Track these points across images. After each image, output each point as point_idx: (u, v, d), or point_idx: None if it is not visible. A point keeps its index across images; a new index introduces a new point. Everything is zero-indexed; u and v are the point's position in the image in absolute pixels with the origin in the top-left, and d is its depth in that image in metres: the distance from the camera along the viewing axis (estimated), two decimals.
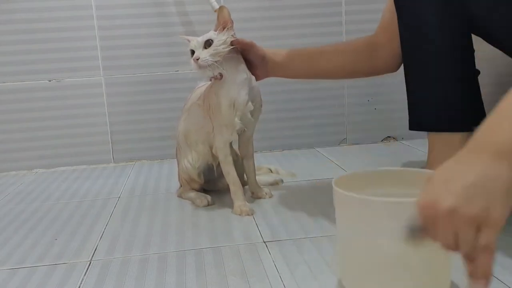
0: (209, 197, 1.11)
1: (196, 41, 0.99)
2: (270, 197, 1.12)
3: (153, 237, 0.93)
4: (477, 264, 0.49)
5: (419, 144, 1.57)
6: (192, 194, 1.12)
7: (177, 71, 1.57)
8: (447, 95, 0.85)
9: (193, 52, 0.99)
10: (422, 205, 0.50)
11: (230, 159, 1.04)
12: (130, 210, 1.10)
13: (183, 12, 1.55)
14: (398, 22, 0.92)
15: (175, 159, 1.19)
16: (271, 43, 1.58)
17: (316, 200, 1.09)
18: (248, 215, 1.01)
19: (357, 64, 1.09)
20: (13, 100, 1.52)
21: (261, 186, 1.14)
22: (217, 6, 1.46)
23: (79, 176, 1.44)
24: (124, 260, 0.83)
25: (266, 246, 0.86)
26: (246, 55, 1.03)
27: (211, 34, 1.00)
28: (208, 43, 0.98)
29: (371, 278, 0.62)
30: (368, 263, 0.61)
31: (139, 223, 1.01)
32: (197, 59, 0.95)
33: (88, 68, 1.54)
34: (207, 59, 0.95)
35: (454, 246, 0.49)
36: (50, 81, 1.53)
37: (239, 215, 1.01)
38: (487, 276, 0.49)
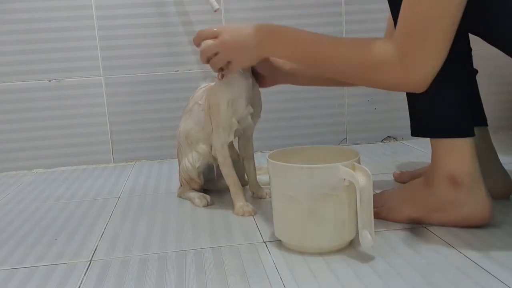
0: (208, 197, 1.11)
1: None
2: (270, 197, 1.12)
3: (153, 237, 0.93)
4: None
5: (419, 144, 1.57)
6: (192, 194, 1.12)
7: (177, 71, 1.57)
8: (447, 100, 0.85)
9: None
10: (204, 33, 0.96)
11: (229, 160, 1.04)
12: (130, 210, 1.10)
13: (183, 12, 1.55)
14: (394, 21, 0.92)
15: (175, 159, 1.19)
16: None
17: None
18: (251, 215, 1.01)
19: None
20: (13, 100, 1.52)
21: (262, 186, 1.14)
22: (217, 6, 1.46)
23: (79, 176, 1.45)
24: (124, 260, 0.83)
25: (266, 246, 0.86)
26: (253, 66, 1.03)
27: None
28: None
29: (296, 228, 0.82)
30: (292, 217, 0.81)
31: (139, 223, 1.01)
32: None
33: (88, 68, 1.54)
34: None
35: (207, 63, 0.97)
36: (50, 81, 1.53)
37: (242, 215, 1.01)
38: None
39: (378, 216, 0.93)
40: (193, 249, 0.86)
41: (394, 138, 1.68)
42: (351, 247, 0.83)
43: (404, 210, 0.91)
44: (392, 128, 1.68)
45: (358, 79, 0.86)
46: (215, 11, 1.47)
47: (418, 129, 0.90)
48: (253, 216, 1.01)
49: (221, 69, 0.98)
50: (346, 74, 0.85)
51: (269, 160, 0.84)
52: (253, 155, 1.12)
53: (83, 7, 1.51)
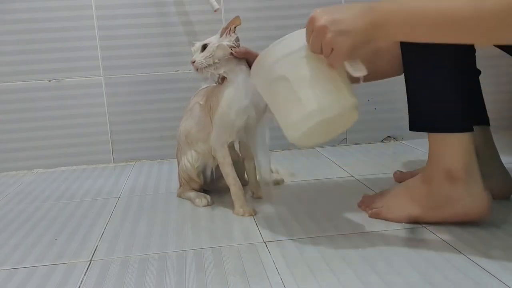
0: (208, 197, 1.11)
1: (196, 46, 1.05)
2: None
3: (153, 237, 0.93)
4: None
5: (419, 144, 1.57)
6: (192, 194, 1.12)
7: (177, 71, 1.57)
8: (446, 96, 0.85)
9: None
10: (309, 19, 0.78)
11: (228, 160, 1.04)
12: (130, 210, 1.10)
13: (183, 12, 1.55)
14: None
15: (175, 159, 1.19)
16: (271, 43, 1.58)
17: (316, 200, 1.09)
18: (251, 215, 1.01)
19: None
20: (13, 100, 1.52)
21: (262, 186, 1.14)
22: (217, 6, 1.46)
23: (79, 176, 1.44)
24: (124, 260, 0.83)
25: (266, 246, 0.86)
26: (250, 63, 1.03)
27: (212, 39, 1.05)
28: (204, 47, 1.03)
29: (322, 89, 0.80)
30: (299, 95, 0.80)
31: (139, 223, 1.01)
32: (193, 62, 1.02)
33: (88, 68, 1.54)
34: (201, 62, 1.01)
35: (319, 50, 0.78)
36: (50, 81, 1.53)
37: (242, 215, 1.01)
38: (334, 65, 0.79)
39: (378, 216, 0.94)
40: (193, 249, 0.86)
41: (394, 138, 1.68)
42: (351, 247, 0.83)
43: (404, 209, 0.91)
44: (392, 128, 1.68)
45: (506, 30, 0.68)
46: (215, 11, 1.47)
47: (416, 124, 0.90)
48: (253, 216, 1.01)
49: (223, 78, 1.00)
50: (486, 31, 0.68)
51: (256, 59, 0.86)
52: (253, 156, 1.12)
53: (83, 7, 1.51)
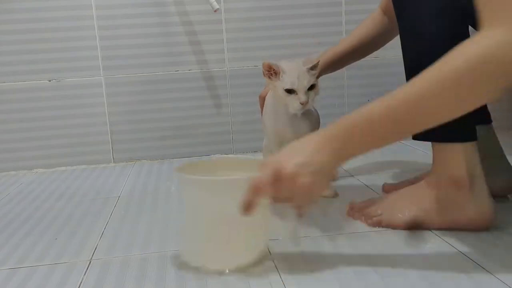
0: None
1: (300, 84, 0.96)
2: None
3: (153, 236, 0.93)
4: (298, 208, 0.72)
5: (419, 144, 1.57)
6: None
7: (177, 71, 1.57)
8: None
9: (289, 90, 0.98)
10: (272, 166, 0.68)
11: None
12: (130, 210, 1.10)
13: (183, 12, 1.55)
14: (399, 25, 0.92)
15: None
16: (271, 43, 1.59)
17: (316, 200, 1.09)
18: None
19: (380, 37, 1.17)
20: (13, 100, 1.52)
21: None
22: (217, 6, 1.46)
23: (79, 176, 1.44)
24: (124, 260, 0.83)
25: (268, 250, 0.86)
26: None
27: (308, 75, 0.98)
28: (312, 88, 0.99)
29: (227, 240, 0.75)
30: (231, 234, 0.74)
31: (139, 223, 1.01)
32: (305, 103, 0.97)
33: (88, 68, 1.54)
34: (311, 104, 1.01)
35: (289, 200, 0.71)
36: (50, 81, 1.53)
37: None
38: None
39: (380, 224, 0.91)
40: None
41: None
42: (352, 247, 0.83)
43: (407, 215, 0.89)
44: None
45: (472, 98, 0.64)
46: (215, 11, 1.47)
47: (420, 134, 0.87)
48: None
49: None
50: (454, 107, 0.65)
51: (202, 179, 0.76)
52: None
53: (83, 7, 1.51)
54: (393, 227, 0.89)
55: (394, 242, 0.84)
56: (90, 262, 0.83)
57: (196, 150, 1.60)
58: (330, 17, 1.60)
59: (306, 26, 1.59)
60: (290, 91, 0.97)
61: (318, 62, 0.99)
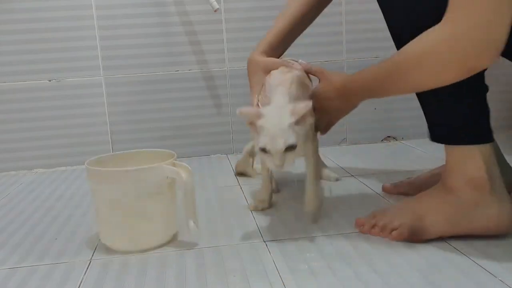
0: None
1: (274, 146, 0.77)
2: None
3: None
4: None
5: (419, 144, 1.57)
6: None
7: (177, 71, 1.57)
8: (460, 108, 0.82)
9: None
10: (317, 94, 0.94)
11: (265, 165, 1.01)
12: None
13: (183, 12, 1.55)
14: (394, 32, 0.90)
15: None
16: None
17: None
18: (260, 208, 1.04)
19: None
20: (13, 100, 1.52)
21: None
22: (217, 6, 1.46)
23: (79, 176, 1.44)
24: (124, 260, 0.83)
25: (266, 246, 0.86)
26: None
27: (287, 134, 0.78)
28: (290, 147, 0.78)
29: (125, 230, 0.86)
30: (120, 220, 0.85)
31: None
32: (280, 167, 0.78)
33: (88, 68, 1.54)
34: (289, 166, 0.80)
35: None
36: (50, 81, 1.53)
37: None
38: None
39: (402, 238, 0.83)
40: (193, 248, 0.86)
41: (394, 138, 1.68)
42: (351, 247, 0.83)
43: (432, 225, 0.82)
44: (392, 128, 1.68)
45: (432, 78, 0.74)
46: (215, 11, 1.47)
47: (437, 136, 0.86)
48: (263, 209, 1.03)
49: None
50: (418, 82, 0.77)
51: (90, 168, 0.86)
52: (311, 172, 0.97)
53: (83, 7, 1.51)
54: (417, 240, 0.83)
55: (394, 242, 0.84)
56: (90, 262, 0.83)
57: (196, 150, 1.60)
58: (330, 17, 1.60)
59: None
60: (265, 150, 0.78)
61: (307, 110, 0.79)
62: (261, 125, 0.78)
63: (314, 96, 0.93)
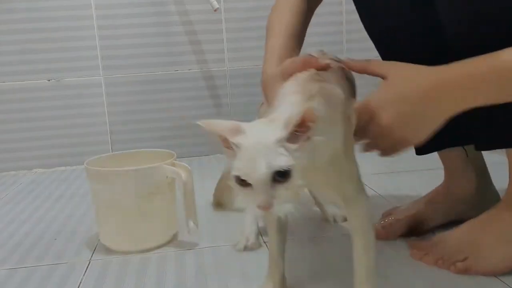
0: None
1: (253, 174, 0.49)
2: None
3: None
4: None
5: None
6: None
7: (177, 70, 1.57)
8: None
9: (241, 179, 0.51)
10: (365, 107, 0.62)
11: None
12: None
13: (183, 12, 1.55)
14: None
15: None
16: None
17: None
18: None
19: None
20: (13, 100, 1.52)
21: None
22: (217, 6, 1.46)
23: (79, 176, 1.44)
24: (123, 260, 0.83)
25: (266, 246, 0.86)
26: None
27: (275, 154, 0.50)
28: (282, 175, 0.50)
29: (126, 230, 0.85)
30: (121, 220, 0.84)
31: None
32: (266, 208, 0.50)
33: (88, 68, 1.54)
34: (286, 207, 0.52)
35: (374, 148, 0.68)
36: (49, 80, 1.53)
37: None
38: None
39: (469, 271, 0.71)
40: (193, 249, 0.86)
41: None
42: (351, 247, 0.83)
43: (502, 255, 0.70)
44: None
45: None
46: (215, 10, 1.47)
47: (492, 140, 0.73)
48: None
49: None
50: None
51: (90, 168, 0.86)
52: None
53: (83, 7, 1.51)
54: (487, 274, 0.70)
55: (394, 242, 0.84)
56: (90, 262, 0.83)
57: (196, 150, 1.60)
58: (330, 17, 1.60)
59: None
60: (242, 181, 0.51)
61: (305, 119, 0.50)
62: (237, 143, 0.51)
63: (366, 106, 0.63)
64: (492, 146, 0.73)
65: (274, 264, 0.68)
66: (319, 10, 1.68)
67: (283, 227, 0.68)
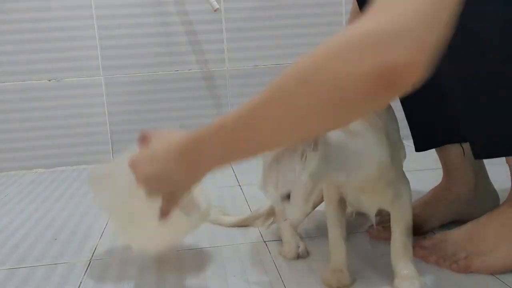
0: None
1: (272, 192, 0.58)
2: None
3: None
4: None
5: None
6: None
7: (177, 70, 1.57)
8: None
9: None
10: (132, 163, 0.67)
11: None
12: None
13: (183, 12, 1.55)
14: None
15: None
16: (271, 43, 1.59)
17: None
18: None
19: None
20: (13, 100, 1.52)
21: None
22: (217, 6, 1.46)
23: (79, 176, 1.44)
24: (123, 260, 0.83)
25: (266, 246, 0.86)
26: None
27: (291, 179, 0.56)
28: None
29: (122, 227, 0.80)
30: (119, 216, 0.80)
31: None
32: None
33: (88, 68, 1.54)
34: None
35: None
36: (49, 80, 1.53)
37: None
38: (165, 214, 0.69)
39: (469, 270, 0.71)
40: (193, 248, 0.86)
41: None
42: (351, 247, 0.83)
43: (506, 253, 0.70)
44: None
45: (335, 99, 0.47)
46: (215, 10, 1.47)
47: (488, 149, 0.72)
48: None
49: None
50: (320, 104, 0.48)
51: (92, 167, 0.87)
52: None
53: (83, 7, 1.51)
54: (488, 272, 0.70)
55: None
56: (90, 262, 0.83)
57: None
58: (330, 17, 1.60)
59: (306, 26, 1.59)
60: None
61: None
62: None
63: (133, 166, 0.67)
64: (489, 154, 0.72)
65: (335, 243, 0.71)
66: (319, 10, 1.68)
67: (341, 222, 0.72)
